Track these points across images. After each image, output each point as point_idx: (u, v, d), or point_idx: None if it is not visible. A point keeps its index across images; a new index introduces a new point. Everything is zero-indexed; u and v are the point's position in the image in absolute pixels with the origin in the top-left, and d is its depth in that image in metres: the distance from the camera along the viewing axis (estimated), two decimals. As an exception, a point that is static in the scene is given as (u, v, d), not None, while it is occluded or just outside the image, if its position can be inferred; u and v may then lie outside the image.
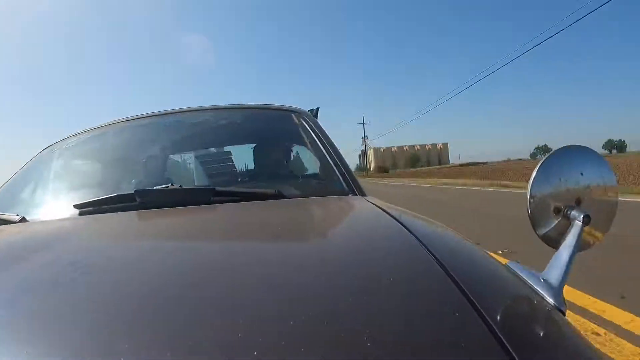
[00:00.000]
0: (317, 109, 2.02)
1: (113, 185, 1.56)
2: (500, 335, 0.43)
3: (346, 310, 0.48)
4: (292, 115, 1.73)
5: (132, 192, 1.14)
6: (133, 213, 1.11)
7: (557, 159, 0.79)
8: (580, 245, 0.73)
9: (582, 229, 0.74)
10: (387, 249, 0.71)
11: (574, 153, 0.81)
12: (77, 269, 0.65)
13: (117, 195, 1.17)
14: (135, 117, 1.80)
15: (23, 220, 1.18)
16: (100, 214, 1.14)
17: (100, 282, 0.60)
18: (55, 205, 1.42)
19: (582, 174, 0.79)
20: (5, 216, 1.21)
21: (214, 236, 0.84)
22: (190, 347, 0.41)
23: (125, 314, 0.49)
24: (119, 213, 1.12)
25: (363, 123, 79.08)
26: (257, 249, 0.74)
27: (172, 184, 1.22)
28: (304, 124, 1.63)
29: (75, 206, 1.17)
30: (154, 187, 1.22)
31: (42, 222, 1.20)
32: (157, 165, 1.65)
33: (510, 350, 0.41)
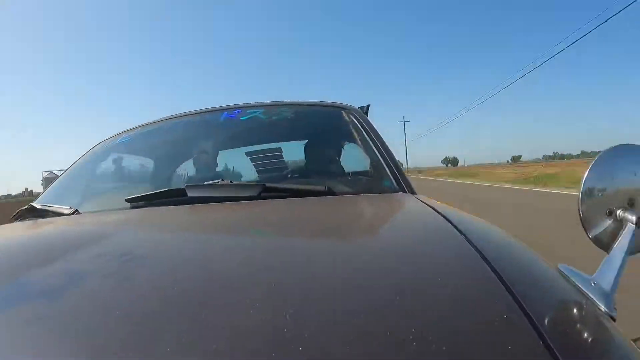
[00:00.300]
0: (368, 106, 1.99)
1: (164, 180, 1.61)
2: (548, 340, 0.43)
3: (392, 310, 0.48)
4: (343, 112, 1.71)
5: (183, 187, 1.16)
6: (184, 207, 1.13)
7: (609, 158, 0.77)
8: (633, 248, 0.72)
9: (635, 232, 0.72)
10: (436, 248, 0.71)
11: (627, 152, 0.78)
12: (129, 260, 0.67)
13: (168, 189, 1.20)
14: (187, 114, 1.82)
15: (76, 212, 1.22)
16: (152, 207, 1.17)
17: (151, 273, 0.62)
18: (107, 199, 1.46)
19: (635, 174, 0.77)
20: (58, 209, 1.26)
21: (264, 231, 0.85)
22: (240, 339, 0.43)
23: (176, 305, 0.50)
24: (169, 207, 1.14)
25: (404, 122, 77.01)
26: (306, 245, 0.74)
27: (222, 179, 1.23)
28: (354, 120, 1.62)
29: (127, 200, 1.21)
30: (205, 182, 1.24)
31: (94, 214, 1.23)
32: (208, 161, 1.67)
33: (558, 355, 0.42)
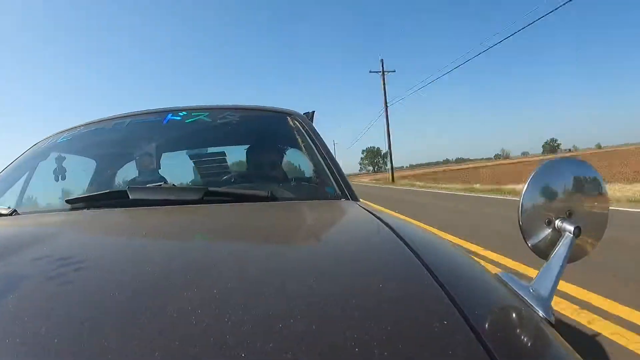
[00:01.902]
0: (313, 112, 2.02)
1: (106, 182, 1.56)
2: (488, 345, 0.43)
3: (331, 315, 0.47)
4: (288, 117, 1.73)
5: (125, 189, 1.14)
6: (125, 210, 1.11)
7: (548, 170, 0.79)
8: (571, 257, 0.74)
9: (573, 241, 0.75)
10: (376, 254, 0.71)
11: (566, 164, 0.82)
12: (67, 263, 0.65)
13: (110, 191, 1.17)
14: (131, 114, 1.79)
15: (15, 213, 1.17)
16: (92, 210, 1.14)
17: (88, 277, 0.60)
18: (47, 200, 1.42)
19: (573, 185, 0.80)
20: None
21: (204, 236, 0.84)
22: (175, 346, 0.41)
23: (112, 310, 0.49)
24: (110, 209, 1.12)
25: (382, 71, 36.74)
26: (245, 250, 0.74)
27: (165, 182, 1.23)
28: (299, 126, 1.64)
29: (67, 201, 1.17)
30: (147, 185, 1.22)
31: (33, 215, 1.19)
32: (151, 163, 1.64)
33: (497, 359, 0.42)
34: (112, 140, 1.73)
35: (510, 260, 4.51)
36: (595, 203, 0.82)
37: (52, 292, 0.55)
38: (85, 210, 1.14)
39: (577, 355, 0.52)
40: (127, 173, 1.65)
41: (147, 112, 1.82)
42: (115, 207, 1.13)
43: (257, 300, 0.50)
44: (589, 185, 0.82)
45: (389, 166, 40.35)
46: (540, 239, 0.79)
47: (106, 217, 1.05)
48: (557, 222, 0.78)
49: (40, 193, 1.52)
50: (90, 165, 1.75)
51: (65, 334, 0.45)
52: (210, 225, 0.94)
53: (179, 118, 1.78)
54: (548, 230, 0.78)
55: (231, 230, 0.89)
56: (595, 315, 2.83)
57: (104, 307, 0.50)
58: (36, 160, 1.67)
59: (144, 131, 1.74)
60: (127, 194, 1.12)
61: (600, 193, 0.83)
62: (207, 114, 1.79)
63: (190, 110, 1.82)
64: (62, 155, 1.72)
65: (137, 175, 1.60)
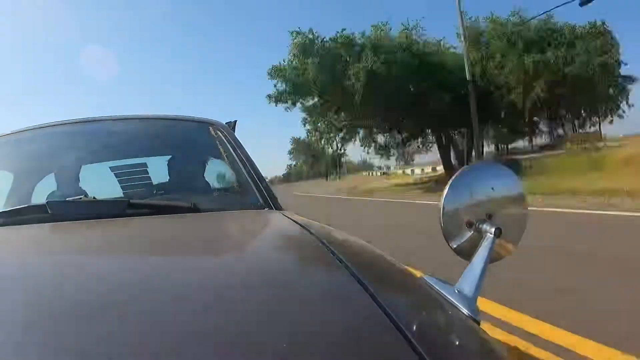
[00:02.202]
0: (235, 121, 2.02)
1: (24, 196, 1.48)
2: (417, 346, 0.44)
3: (257, 324, 0.47)
4: (210, 127, 1.72)
5: (44, 203, 1.10)
6: (45, 225, 1.07)
7: (467, 174, 0.83)
8: (492, 257, 0.77)
9: (493, 242, 0.78)
10: (301, 262, 0.72)
11: (485, 169, 0.86)
12: None
13: (28, 206, 1.14)
14: (49, 124, 1.72)
15: None
16: (9, 226, 1.09)
17: (5, 297, 0.57)
18: None
19: (492, 188, 0.83)
20: None
21: (126, 250, 0.82)
22: None
23: (30, 329, 0.47)
24: (30, 225, 1.08)
25: None
26: (169, 263, 0.73)
27: (85, 196, 1.20)
28: (221, 136, 1.63)
29: None
30: (67, 199, 1.17)
31: None
32: (70, 176, 1.58)
33: (427, 359, 0.42)
34: (31, 151, 1.65)
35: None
36: (515, 205, 0.86)
37: None
38: (2, 227, 1.09)
39: (504, 352, 0.54)
40: (47, 187, 1.56)
41: (66, 123, 1.75)
42: (35, 222, 1.08)
43: (183, 313, 0.50)
44: (507, 188, 0.86)
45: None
46: (462, 240, 0.81)
47: (24, 234, 1.01)
48: (478, 224, 0.81)
49: None
50: (8, 178, 1.64)
51: None
52: (133, 239, 0.92)
53: (99, 128, 1.74)
54: (469, 233, 0.81)
55: (154, 243, 0.87)
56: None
57: (23, 327, 0.47)
58: None
59: (63, 142, 1.68)
60: (47, 209, 1.08)
61: (519, 195, 0.87)
62: (128, 123, 1.76)
63: (110, 120, 1.79)
64: None
65: (56, 188, 1.53)
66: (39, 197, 1.49)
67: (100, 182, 1.81)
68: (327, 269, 0.65)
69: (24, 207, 1.13)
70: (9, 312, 0.52)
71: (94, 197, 1.17)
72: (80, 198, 1.16)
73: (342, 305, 0.53)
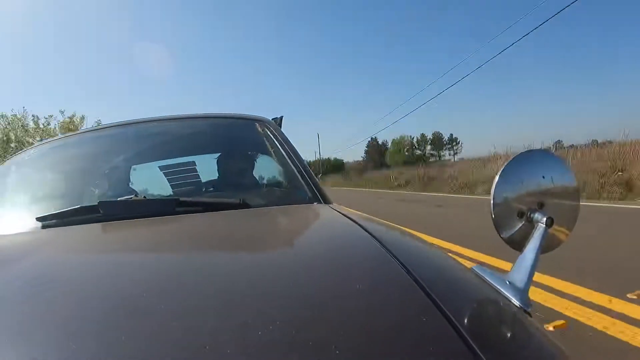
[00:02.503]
0: (281, 117, 2.03)
1: (76, 197, 1.54)
2: (468, 338, 0.44)
3: (313, 319, 0.47)
4: (256, 124, 1.73)
5: (96, 204, 1.12)
6: (97, 225, 1.09)
7: (518, 163, 0.80)
8: (544, 247, 0.75)
9: (545, 231, 0.75)
10: (352, 256, 0.71)
11: (535, 157, 0.83)
12: (41, 283, 0.63)
13: (81, 207, 1.15)
14: (99, 127, 1.78)
15: None
16: (63, 227, 1.12)
17: (64, 296, 0.59)
18: (16, 218, 1.37)
19: (543, 177, 0.81)
20: None
21: (178, 248, 0.83)
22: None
23: (90, 329, 0.48)
24: (82, 225, 1.10)
25: (318, 141, 63.75)
26: (221, 259, 0.73)
27: (136, 195, 1.21)
28: (268, 132, 1.64)
29: (38, 219, 1.14)
30: (118, 199, 1.20)
31: (3, 236, 1.16)
32: (121, 176, 1.62)
33: (478, 351, 0.42)
34: (82, 154, 1.70)
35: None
36: (566, 194, 0.84)
37: (25, 313, 0.54)
38: (56, 228, 1.12)
39: (555, 343, 0.53)
40: (98, 187, 1.62)
41: (116, 125, 1.80)
42: (87, 222, 1.11)
43: (238, 309, 0.50)
44: (559, 177, 0.83)
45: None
46: (513, 231, 0.79)
47: (78, 234, 1.03)
48: (529, 214, 0.78)
49: (9, 212, 1.47)
50: (61, 181, 1.71)
51: (37, 356, 0.44)
52: (184, 237, 0.93)
53: (147, 129, 1.77)
54: (521, 223, 0.79)
55: (205, 240, 0.88)
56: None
57: (83, 327, 0.49)
58: (5, 177, 1.63)
59: (113, 144, 1.72)
60: (98, 209, 1.11)
61: (570, 184, 0.84)
62: (175, 123, 1.78)
63: (159, 120, 1.81)
64: (32, 172, 1.69)
65: (107, 189, 1.58)
66: (91, 198, 1.55)
67: (150, 182, 1.84)
68: (378, 262, 0.65)
69: (77, 208, 1.15)
70: (65, 311, 0.53)
71: (144, 197, 1.19)
72: (131, 198, 1.18)
73: (393, 299, 0.53)
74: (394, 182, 23.84)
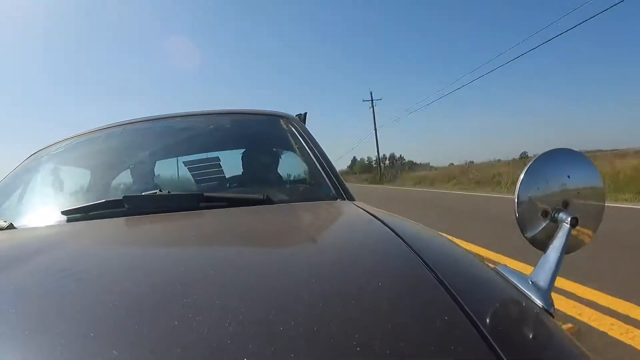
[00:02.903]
0: (305, 113, 2.02)
1: (101, 191, 1.56)
2: (489, 338, 0.44)
3: (335, 316, 0.48)
4: (280, 120, 1.73)
5: (120, 198, 1.14)
6: (121, 219, 1.10)
7: (544, 162, 0.79)
8: (568, 248, 0.74)
9: (569, 231, 0.74)
10: (375, 253, 0.71)
11: (561, 156, 0.81)
12: (66, 276, 0.64)
13: (106, 201, 1.16)
14: (124, 123, 1.79)
15: (10, 227, 1.16)
16: (88, 221, 1.13)
17: (89, 289, 0.59)
18: (43, 212, 1.40)
19: (569, 176, 0.79)
20: None
21: (203, 242, 0.84)
22: (176, 354, 0.41)
23: (115, 320, 0.49)
24: (107, 219, 1.12)
25: (372, 101, 42.45)
26: (245, 254, 0.74)
27: (160, 190, 1.22)
28: (292, 129, 1.64)
29: (63, 212, 1.16)
30: (142, 193, 1.21)
31: (30, 228, 1.19)
32: (145, 171, 1.63)
33: (499, 351, 0.42)
34: (107, 149, 1.72)
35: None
36: (592, 194, 0.82)
37: (51, 305, 0.54)
38: (82, 222, 1.14)
39: (577, 345, 0.53)
40: (123, 182, 1.64)
41: (141, 120, 1.82)
42: (112, 216, 1.13)
43: (261, 305, 0.51)
44: (584, 176, 0.82)
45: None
46: (537, 230, 0.78)
47: (102, 228, 1.04)
48: (554, 214, 0.77)
49: (36, 205, 1.50)
50: (86, 175, 1.74)
51: (68, 348, 0.44)
52: (208, 231, 0.94)
53: (172, 124, 1.78)
54: (545, 222, 0.78)
55: (229, 235, 0.89)
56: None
57: (107, 318, 0.49)
58: (31, 172, 1.66)
59: (138, 139, 1.74)
60: (123, 203, 1.12)
61: (596, 184, 0.83)
62: (200, 119, 1.79)
63: (183, 116, 1.82)
64: (57, 166, 1.71)
65: (132, 183, 1.60)
66: (116, 192, 1.57)
67: (174, 177, 1.85)
68: (400, 260, 0.65)
69: (101, 202, 1.16)
70: (88, 303, 0.54)
71: (168, 191, 1.19)
72: (155, 192, 1.19)
73: (415, 298, 0.53)
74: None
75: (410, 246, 0.67)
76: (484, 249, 4.73)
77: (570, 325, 2.40)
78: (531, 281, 0.66)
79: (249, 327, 0.45)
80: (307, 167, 1.46)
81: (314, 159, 1.43)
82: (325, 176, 1.36)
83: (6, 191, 1.55)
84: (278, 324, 0.45)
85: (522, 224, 0.78)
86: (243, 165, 1.71)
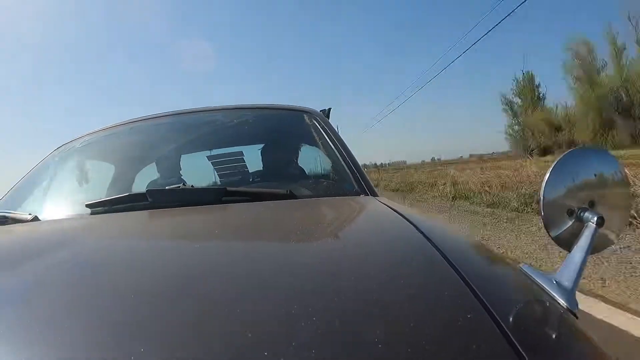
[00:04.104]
0: (329, 109, 2.01)
1: (125, 185, 1.58)
2: (512, 338, 0.43)
3: (357, 312, 0.48)
4: (304, 115, 1.72)
5: (144, 191, 1.15)
6: (145, 212, 1.11)
7: (570, 160, 0.78)
8: (594, 248, 0.73)
9: (595, 231, 0.73)
10: (398, 250, 0.71)
11: (588, 154, 0.80)
12: (89, 267, 0.66)
13: (129, 194, 1.18)
14: (148, 117, 1.80)
15: (35, 219, 1.18)
16: (111, 214, 1.15)
17: (111, 280, 0.60)
18: (67, 205, 1.42)
19: (595, 175, 0.78)
20: (17, 215, 1.22)
21: (225, 236, 0.84)
22: (200, 345, 0.42)
23: (136, 312, 0.50)
24: (130, 212, 1.13)
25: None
26: (268, 249, 0.74)
27: (184, 184, 1.22)
28: (316, 124, 1.63)
29: (88, 205, 1.18)
30: (166, 187, 1.22)
31: (54, 221, 1.20)
32: (169, 165, 1.65)
33: (522, 352, 0.42)
34: (131, 143, 1.74)
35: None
36: (618, 193, 0.81)
37: (74, 296, 0.55)
38: (105, 214, 1.15)
39: (600, 347, 0.52)
40: (147, 176, 1.66)
41: (164, 115, 1.83)
42: (135, 210, 1.14)
43: (283, 299, 0.51)
44: (612, 176, 0.80)
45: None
46: (562, 230, 0.77)
47: (126, 221, 1.05)
48: (579, 213, 0.76)
49: (60, 198, 1.53)
50: (110, 169, 1.76)
51: (89, 337, 0.45)
52: (231, 225, 0.94)
53: (196, 119, 1.79)
54: (570, 221, 0.77)
55: (252, 229, 0.89)
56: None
57: (129, 310, 0.50)
58: (56, 165, 1.68)
59: (161, 134, 1.75)
60: (147, 197, 1.13)
61: (622, 183, 0.81)
62: (223, 114, 1.79)
63: (207, 111, 1.83)
64: (82, 160, 1.73)
65: (156, 177, 1.61)
66: (140, 186, 1.57)
67: (198, 171, 1.86)
68: (424, 257, 0.64)
69: (125, 195, 1.16)
70: (111, 295, 0.55)
71: (192, 185, 1.20)
72: (179, 186, 1.19)
73: (438, 296, 0.53)
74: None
75: (433, 244, 0.67)
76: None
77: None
78: (555, 281, 0.65)
79: (272, 320, 0.46)
80: (330, 162, 1.45)
81: (338, 155, 1.43)
82: (349, 171, 1.35)
83: (31, 184, 1.58)
84: (299, 319, 0.45)
85: (547, 223, 0.77)
86: (266, 160, 1.72)
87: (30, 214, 1.20)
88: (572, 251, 0.72)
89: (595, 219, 0.74)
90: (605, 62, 35.75)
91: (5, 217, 1.23)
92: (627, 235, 4.38)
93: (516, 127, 45.58)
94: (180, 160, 1.72)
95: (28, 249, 0.83)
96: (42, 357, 0.43)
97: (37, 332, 0.47)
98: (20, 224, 1.17)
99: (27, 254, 0.77)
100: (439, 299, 0.52)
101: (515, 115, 45.38)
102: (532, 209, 6.81)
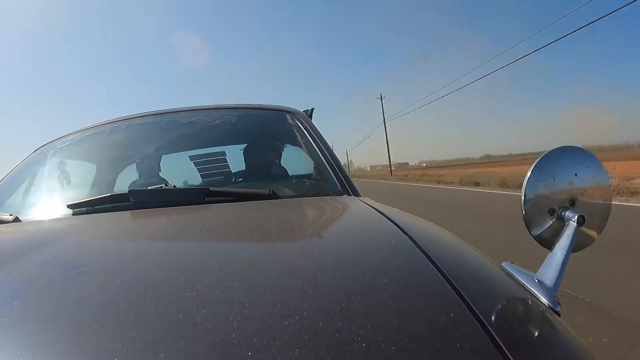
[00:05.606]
0: (312, 109, 2.02)
1: (107, 185, 1.56)
2: (495, 336, 0.44)
3: (339, 311, 0.47)
4: (287, 115, 1.73)
5: (126, 192, 1.14)
6: (127, 213, 1.11)
7: (551, 159, 0.79)
8: (575, 246, 0.73)
9: (576, 230, 0.74)
10: (380, 249, 0.71)
11: (568, 153, 0.81)
12: (71, 268, 0.65)
13: (111, 195, 1.17)
14: (130, 117, 1.79)
15: (16, 220, 1.17)
16: (93, 214, 1.14)
17: (93, 281, 0.60)
18: (48, 205, 1.41)
19: (576, 174, 0.79)
20: None
21: (207, 236, 0.84)
22: (180, 347, 0.41)
23: (118, 313, 0.49)
24: (112, 213, 1.12)
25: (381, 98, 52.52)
26: (250, 249, 0.74)
27: (166, 184, 1.22)
28: (298, 124, 1.63)
29: (69, 206, 1.17)
30: (148, 187, 1.21)
31: (36, 222, 1.19)
32: (151, 165, 1.64)
33: (505, 350, 0.42)
34: (113, 143, 1.72)
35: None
36: (598, 192, 0.82)
37: (56, 297, 0.55)
38: (87, 215, 1.14)
39: (583, 344, 0.52)
40: (128, 176, 1.65)
41: (146, 115, 1.82)
42: (117, 210, 1.13)
43: (265, 299, 0.50)
44: (592, 175, 0.81)
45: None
46: (543, 228, 0.78)
47: (107, 221, 1.05)
48: (560, 212, 0.77)
49: (41, 199, 1.51)
50: (91, 169, 1.75)
51: (70, 338, 0.45)
52: (214, 225, 0.94)
53: (178, 119, 1.78)
54: (551, 220, 0.78)
55: (234, 230, 0.88)
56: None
57: (111, 311, 0.50)
58: (37, 166, 1.66)
59: (143, 134, 1.74)
60: (129, 197, 1.12)
61: (602, 182, 0.82)
62: (206, 114, 1.79)
63: (189, 110, 1.82)
64: (63, 160, 1.71)
65: (138, 177, 1.60)
66: (121, 186, 1.57)
67: (180, 171, 1.86)
68: (406, 256, 0.65)
69: (107, 195, 1.16)
70: (92, 296, 0.54)
71: (174, 186, 1.20)
72: (162, 187, 1.19)
73: (420, 295, 0.53)
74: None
75: (415, 242, 0.67)
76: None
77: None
78: (537, 279, 0.66)
79: (253, 321, 0.45)
80: (313, 162, 1.46)
81: (320, 155, 1.44)
82: (331, 171, 1.36)
83: (12, 185, 1.56)
84: (282, 319, 0.45)
85: (529, 222, 0.78)
86: (248, 160, 1.72)
87: (11, 215, 1.18)
88: (554, 250, 0.72)
89: (576, 217, 0.75)
90: None
91: None
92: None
93: None
94: (162, 160, 1.71)
95: (9, 250, 0.82)
96: (22, 358, 0.42)
97: (17, 334, 0.47)
98: (1, 224, 1.15)
99: (8, 255, 0.76)
100: (421, 297, 0.52)
101: None
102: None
